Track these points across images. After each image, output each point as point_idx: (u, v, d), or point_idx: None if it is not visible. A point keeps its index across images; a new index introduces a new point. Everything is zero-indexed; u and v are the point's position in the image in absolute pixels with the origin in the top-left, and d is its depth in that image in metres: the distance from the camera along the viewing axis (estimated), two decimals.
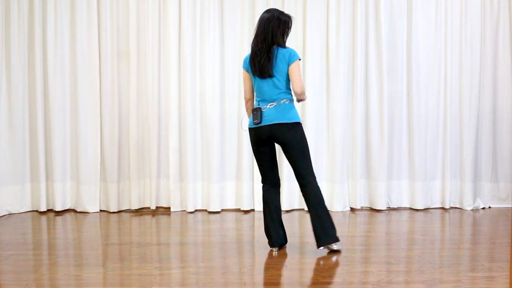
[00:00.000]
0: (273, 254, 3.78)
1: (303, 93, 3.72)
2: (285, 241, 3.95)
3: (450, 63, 5.24)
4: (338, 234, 3.90)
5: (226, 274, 3.35)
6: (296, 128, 3.72)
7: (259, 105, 3.76)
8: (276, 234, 3.85)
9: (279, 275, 3.33)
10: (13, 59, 5.07)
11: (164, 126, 5.24)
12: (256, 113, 3.72)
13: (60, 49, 5.15)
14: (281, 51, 3.72)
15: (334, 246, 3.80)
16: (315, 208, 3.72)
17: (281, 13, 3.81)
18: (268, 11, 3.83)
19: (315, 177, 3.77)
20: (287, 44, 3.93)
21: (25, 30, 5.09)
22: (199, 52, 5.17)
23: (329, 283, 3.15)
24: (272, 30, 3.73)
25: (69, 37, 5.16)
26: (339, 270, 3.38)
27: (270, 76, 3.71)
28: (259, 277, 3.31)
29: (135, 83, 5.17)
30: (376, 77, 5.22)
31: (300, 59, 3.72)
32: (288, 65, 3.70)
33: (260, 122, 3.72)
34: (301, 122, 3.81)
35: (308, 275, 3.33)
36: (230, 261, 3.63)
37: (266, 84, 3.73)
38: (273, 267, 3.49)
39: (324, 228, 3.72)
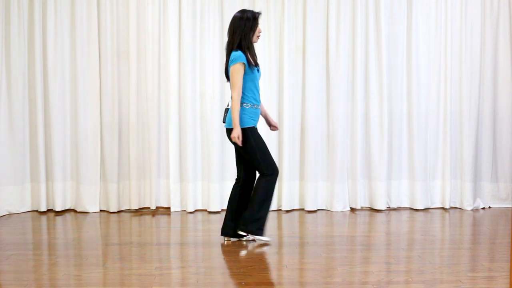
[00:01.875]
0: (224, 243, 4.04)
1: (232, 106, 3.83)
2: (234, 234, 4.05)
3: (450, 63, 5.23)
4: (338, 234, 3.97)
5: (226, 274, 3.36)
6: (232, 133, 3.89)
7: (228, 105, 4.02)
8: (224, 223, 4.09)
9: (279, 275, 3.33)
10: (13, 59, 5.07)
11: (164, 126, 5.24)
12: (224, 113, 4.03)
13: (60, 49, 5.15)
14: (231, 54, 3.88)
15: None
16: (252, 198, 3.98)
17: (244, 11, 3.93)
18: (238, 11, 3.99)
19: (264, 175, 3.95)
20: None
21: (25, 30, 5.09)
22: (199, 52, 5.17)
23: (329, 283, 3.15)
24: (233, 33, 3.91)
25: (69, 37, 5.15)
26: (339, 270, 3.38)
27: (228, 80, 3.98)
28: (259, 277, 3.31)
29: (135, 83, 5.16)
30: (376, 77, 5.22)
31: (242, 63, 3.81)
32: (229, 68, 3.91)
33: (224, 122, 4.02)
34: (244, 125, 3.89)
35: (308, 275, 3.33)
36: (230, 261, 3.63)
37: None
38: (273, 267, 3.49)
39: (247, 216, 3.96)
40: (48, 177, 5.19)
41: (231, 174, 5.24)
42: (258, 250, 3.90)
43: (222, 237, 4.11)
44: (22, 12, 5.06)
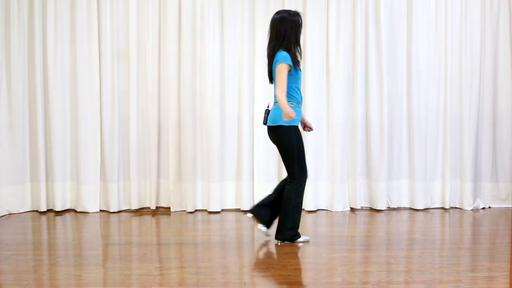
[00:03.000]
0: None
1: (278, 99, 3.81)
2: (259, 217, 4.07)
3: (450, 63, 5.24)
4: (338, 234, 4.00)
5: (226, 274, 3.36)
6: (277, 131, 3.89)
7: (268, 106, 4.05)
8: (258, 203, 4.13)
9: (279, 275, 3.33)
10: (13, 59, 5.07)
11: (164, 126, 5.24)
12: (265, 115, 4.00)
13: (60, 49, 5.15)
14: (277, 54, 3.89)
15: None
16: (284, 208, 3.98)
17: (289, 13, 3.93)
18: (277, 12, 3.99)
19: (294, 180, 3.93)
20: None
21: (25, 30, 5.09)
22: (199, 52, 5.17)
23: (329, 283, 3.15)
24: (277, 34, 3.91)
25: (69, 37, 5.15)
26: (339, 270, 3.38)
27: (272, 80, 4.00)
28: (259, 277, 3.31)
29: (135, 83, 5.16)
30: (376, 77, 5.22)
31: (286, 63, 3.82)
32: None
33: (265, 123, 3.98)
34: (289, 123, 3.87)
35: (308, 275, 3.33)
36: (230, 261, 3.63)
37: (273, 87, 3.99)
38: (273, 267, 3.49)
39: (282, 225, 3.98)
40: (48, 177, 5.19)
41: (231, 174, 5.25)
42: (258, 250, 3.90)
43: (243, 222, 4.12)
44: (22, 12, 5.06)
